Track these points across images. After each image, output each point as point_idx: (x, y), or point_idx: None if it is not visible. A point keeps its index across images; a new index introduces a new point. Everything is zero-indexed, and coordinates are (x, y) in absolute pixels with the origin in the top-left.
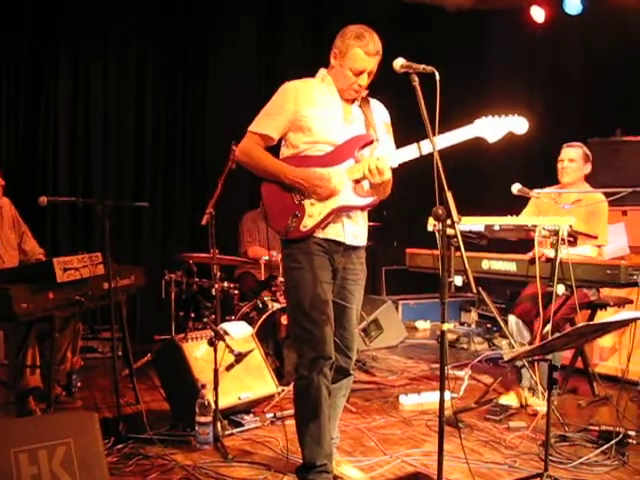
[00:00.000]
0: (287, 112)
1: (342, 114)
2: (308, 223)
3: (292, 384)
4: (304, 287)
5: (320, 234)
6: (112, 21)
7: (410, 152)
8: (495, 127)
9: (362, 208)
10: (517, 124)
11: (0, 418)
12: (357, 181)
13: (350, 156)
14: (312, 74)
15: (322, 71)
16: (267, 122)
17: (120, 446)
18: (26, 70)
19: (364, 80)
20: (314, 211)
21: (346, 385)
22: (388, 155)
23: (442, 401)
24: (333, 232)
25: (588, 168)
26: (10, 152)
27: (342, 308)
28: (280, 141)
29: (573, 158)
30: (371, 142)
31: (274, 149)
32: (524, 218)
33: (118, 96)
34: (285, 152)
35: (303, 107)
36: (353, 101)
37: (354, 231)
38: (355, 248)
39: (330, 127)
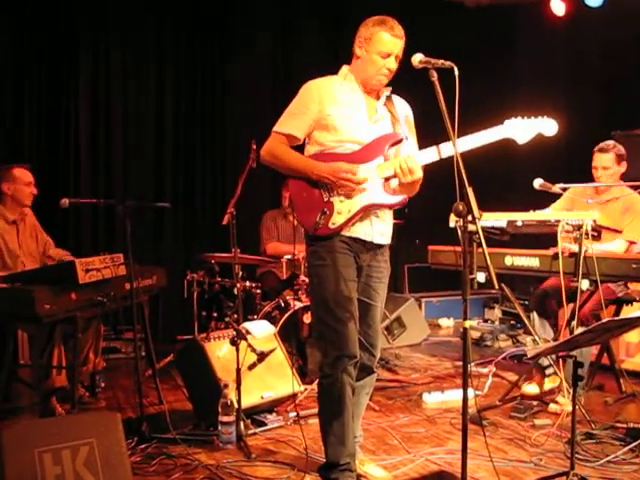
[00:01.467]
0: (311, 111)
1: (367, 112)
2: (337, 220)
3: (316, 382)
4: (328, 284)
5: (347, 232)
6: (130, 22)
7: (432, 154)
8: (525, 129)
9: (391, 206)
10: (547, 126)
11: (24, 418)
12: (387, 179)
13: (379, 154)
14: (329, 73)
15: (344, 69)
16: (292, 122)
17: (143, 446)
18: (47, 72)
19: (392, 64)
20: (343, 208)
21: (370, 383)
22: (418, 153)
23: (465, 399)
24: (362, 231)
25: (623, 167)
26: (32, 154)
27: (367, 306)
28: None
29: (606, 165)
30: (400, 141)
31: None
32: (546, 213)
33: (138, 97)
34: (311, 150)
35: (327, 106)
36: (378, 97)
37: (382, 229)
38: (380, 246)
39: (355, 125)
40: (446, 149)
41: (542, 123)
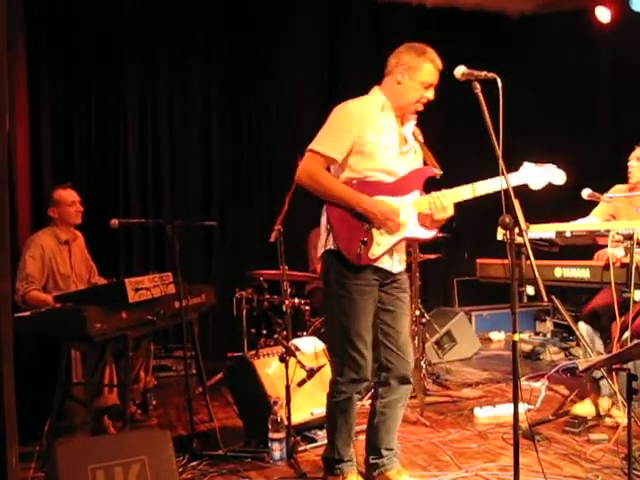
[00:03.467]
0: (352, 135)
1: (398, 141)
2: (376, 252)
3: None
4: (351, 317)
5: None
6: (177, 41)
7: (467, 193)
8: (538, 177)
9: (425, 241)
10: (557, 176)
11: (77, 436)
12: (420, 214)
13: (416, 188)
14: (373, 81)
15: (378, 93)
16: (332, 144)
17: (194, 463)
18: (97, 95)
19: (431, 94)
20: (382, 240)
21: (405, 395)
22: (452, 192)
23: (516, 413)
24: (386, 261)
25: None
26: (82, 177)
27: (396, 315)
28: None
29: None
30: (434, 176)
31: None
32: (596, 224)
33: (184, 116)
34: (343, 175)
35: (367, 132)
36: (402, 122)
37: (399, 258)
38: (400, 273)
39: (390, 155)
40: (481, 189)
41: (553, 173)
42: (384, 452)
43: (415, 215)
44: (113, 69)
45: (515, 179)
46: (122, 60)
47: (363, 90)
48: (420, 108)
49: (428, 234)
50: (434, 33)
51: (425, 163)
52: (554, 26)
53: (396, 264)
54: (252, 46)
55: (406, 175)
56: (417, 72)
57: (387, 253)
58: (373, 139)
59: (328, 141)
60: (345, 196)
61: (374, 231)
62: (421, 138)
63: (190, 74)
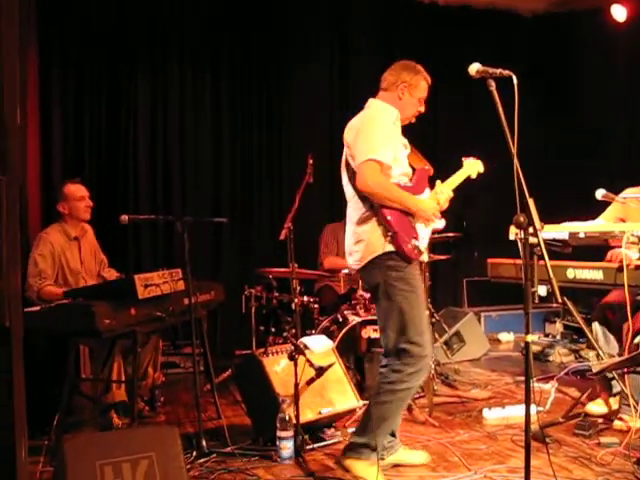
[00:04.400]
0: (393, 145)
1: (404, 148)
2: (422, 245)
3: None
4: (417, 309)
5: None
6: (188, 38)
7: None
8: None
9: (441, 231)
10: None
11: (86, 431)
12: None
13: (426, 186)
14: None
15: (387, 105)
16: (386, 151)
17: (202, 460)
18: (107, 92)
19: (423, 107)
20: (424, 234)
21: None
22: (449, 182)
23: (528, 415)
24: (425, 254)
25: None
26: (92, 172)
27: None
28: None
29: None
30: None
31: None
32: (611, 224)
33: (195, 113)
34: None
35: (396, 141)
36: None
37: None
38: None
39: (406, 160)
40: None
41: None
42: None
43: None
44: (124, 65)
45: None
46: (133, 56)
47: (374, 86)
48: (413, 121)
49: (441, 224)
50: (446, 31)
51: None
52: (568, 25)
53: (427, 254)
54: (263, 44)
55: (416, 177)
56: (416, 89)
57: None
58: (399, 148)
59: (382, 148)
60: (408, 200)
61: (418, 226)
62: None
63: (201, 71)
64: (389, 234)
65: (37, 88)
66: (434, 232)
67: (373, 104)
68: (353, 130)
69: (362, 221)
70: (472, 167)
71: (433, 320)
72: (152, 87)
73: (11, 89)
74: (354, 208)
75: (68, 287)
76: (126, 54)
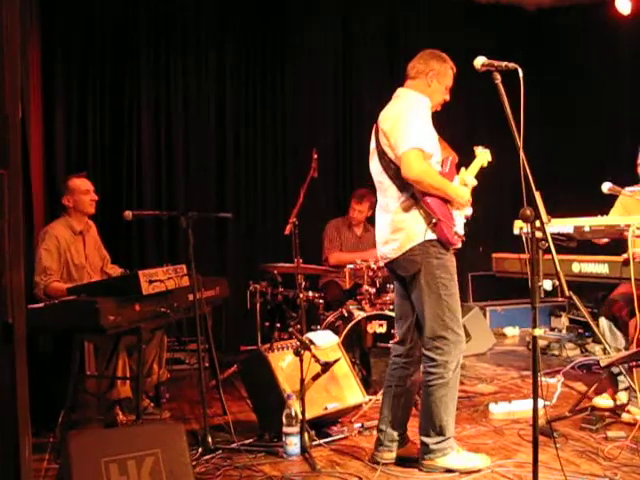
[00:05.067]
0: (431, 129)
1: None
2: (460, 231)
3: (380, 393)
4: (454, 296)
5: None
6: (191, 26)
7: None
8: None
9: (469, 217)
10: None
11: (90, 428)
12: None
13: (455, 174)
14: (387, 72)
15: (418, 94)
16: (427, 139)
17: (208, 457)
18: (110, 85)
19: (448, 95)
20: (459, 221)
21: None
22: (471, 169)
23: (535, 409)
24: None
25: None
26: (96, 167)
27: None
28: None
29: None
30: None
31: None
32: (615, 218)
33: (199, 107)
34: None
35: (432, 130)
36: None
37: None
38: None
39: (439, 149)
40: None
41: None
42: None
43: None
44: (127, 56)
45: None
46: (136, 50)
47: (377, 78)
48: (439, 109)
49: (471, 210)
50: (450, 24)
51: None
52: (572, 19)
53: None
54: (267, 32)
55: (446, 164)
56: (444, 77)
57: None
58: (434, 137)
59: (423, 138)
60: (447, 187)
61: (455, 213)
62: None
63: (204, 63)
64: (433, 221)
65: (40, 82)
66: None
67: (405, 93)
68: (390, 120)
69: (403, 210)
70: (484, 156)
71: None
72: (155, 80)
73: (12, 82)
74: (391, 197)
75: (72, 282)
76: (130, 47)
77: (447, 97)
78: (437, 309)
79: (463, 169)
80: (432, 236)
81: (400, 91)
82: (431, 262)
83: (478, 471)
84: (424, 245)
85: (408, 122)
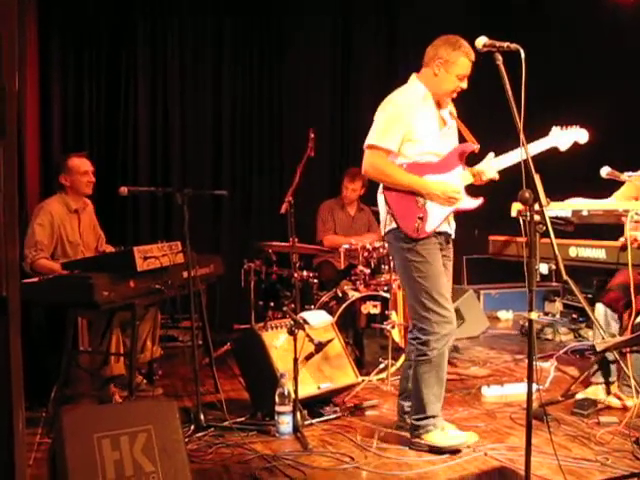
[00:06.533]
0: (404, 126)
1: (438, 124)
2: (434, 223)
3: (373, 373)
4: (431, 278)
5: (438, 229)
6: (187, 6)
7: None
8: (564, 137)
9: (473, 210)
10: (581, 135)
11: (83, 404)
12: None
13: (459, 163)
14: (387, 62)
15: (418, 83)
16: (389, 137)
17: (200, 434)
18: (106, 62)
19: (465, 84)
20: (436, 213)
21: None
22: (493, 165)
23: (530, 393)
24: (445, 226)
25: None
26: (92, 143)
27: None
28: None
29: None
30: (474, 151)
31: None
32: (614, 203)
33: (195, 84)
34: (397, 161)
35: (415, 121)
36: (440, 106)
37: (453, 223)
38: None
39: (434, 138)
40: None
41: (577, 133)
42: None
43: (463, 188)
44: (124, 34)
45: (545, 143)
46: (133, 28)
47: (375, 61)
48: (454, 96)
49: (475, 204)
50: (447, 11)
51: (462, 139)
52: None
53: (453, 225)
54: (265, 15)
55: (448, 154)
56: (453, 66)
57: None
58: (420, 127)
59: (385, 135)
60: (411, 184)
61: (428, 206)
62: (455, 114)
63: (202, 42)
64: (390, 213)
65: (37, 59)
66: (464, 212)
67: (409, 82)
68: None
69: (378, 197)
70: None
71: None
72: (152, 59)
73: (10, 53)
74: None
75: (67, 259)
76: (126, 26)
77: (463, 85)
78: (415, 291)
79: (490, 155)
80: (394, 225)
81: (410, 78)
82: (402, 246)
83: (463, 449)
84: (392, 232)
85: (378, 117)
